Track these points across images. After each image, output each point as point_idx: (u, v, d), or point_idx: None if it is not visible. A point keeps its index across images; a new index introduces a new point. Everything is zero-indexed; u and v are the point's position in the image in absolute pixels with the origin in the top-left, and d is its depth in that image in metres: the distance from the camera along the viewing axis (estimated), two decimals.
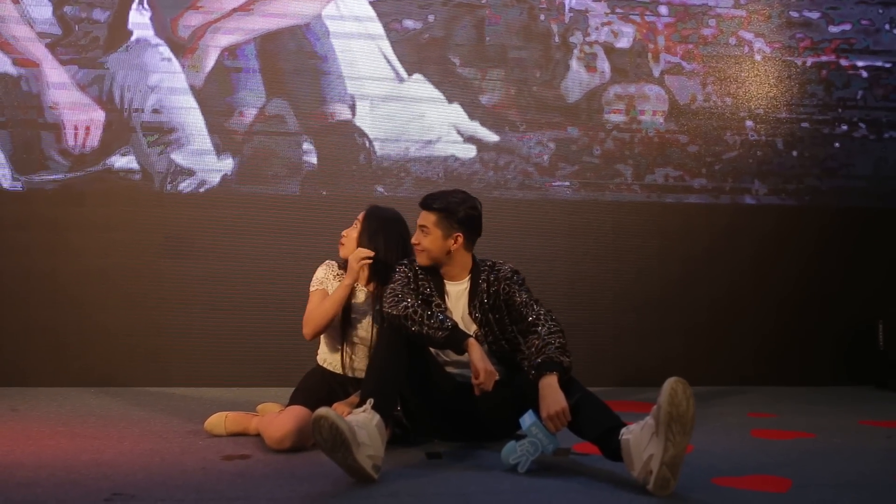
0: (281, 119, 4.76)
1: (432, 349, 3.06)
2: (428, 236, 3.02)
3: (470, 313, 3.03)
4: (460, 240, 3.03)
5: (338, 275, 3.26)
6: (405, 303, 2.88)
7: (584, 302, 4.81)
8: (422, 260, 3.06)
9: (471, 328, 3.03)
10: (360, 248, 3.17)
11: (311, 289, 3.26)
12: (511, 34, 4.95)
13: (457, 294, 3.07)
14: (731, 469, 2.81)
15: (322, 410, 2.50)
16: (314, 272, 3.31)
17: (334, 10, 4.82)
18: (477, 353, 2.81)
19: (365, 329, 3.21)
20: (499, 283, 3.03)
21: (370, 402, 2.68)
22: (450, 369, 3.07)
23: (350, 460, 2.49)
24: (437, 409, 3.05)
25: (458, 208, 3.03)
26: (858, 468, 2.86)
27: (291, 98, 4.76)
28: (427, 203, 3.07)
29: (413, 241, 3.08)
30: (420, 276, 3.06)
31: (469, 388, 3.05)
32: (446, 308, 3.03)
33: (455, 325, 2.87)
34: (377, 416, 2.63)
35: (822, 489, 2.58)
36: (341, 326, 3.22)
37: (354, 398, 3.04)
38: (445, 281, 3.07)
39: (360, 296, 3.25)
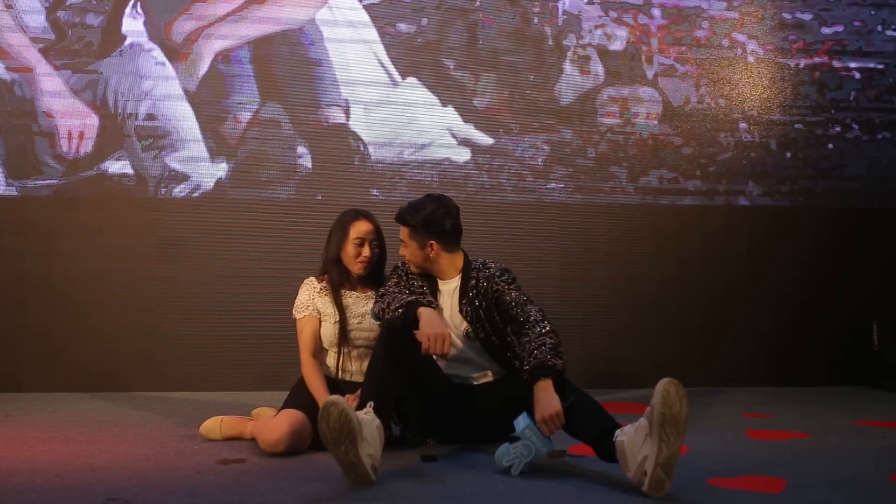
0: (275, 123, 4.76)
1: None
2: (406, 248, 3.13)
3: (460, 310, 3.06)
4: (436, 246, 3.08)
5: (321, 289, 3.25)
6: (383, 300, 2.96)
7: (578, 304, 4.81)
8: (412, 269, 3.16)
9: (462, 325, 3.06)
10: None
11: (298, 316, 3.23)
12: (504, 37, 4.96)
13: (448, 292, 3.12)
14: (725, 470, 2.81)
15: (333, 397, 2.50)
16: (307, 276, 3.31)
17: (328, 14, 4.82)
18: (424, 319, 2.80)
19: (367, 331, 3.20)
20: (487, 280, 3.06)
21: (371, 404, 2.68)
22: (445, 370, 3.08)
23: (352, 455, 2.48)
24: (432, 410, 3.06)
25: (426, 219, 3.06)
26: (853, 468, 2.86)
27: (285, 102, 4.77)
28: (399, 217, 3.13)
29: (400, 251, 3.14)
30: (412, 276, 3.15)
31: (465, 389, 3.06)
32: (438, 304, 3.05)
33: (414, 300, 2.87)
34: (378, 420, 2.64)
35: (816, 489, 2.58)
36: (340, 333, 3.20)
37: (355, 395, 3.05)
38: (438, 280, 3.12)
39: (349, 301, 3.25)
